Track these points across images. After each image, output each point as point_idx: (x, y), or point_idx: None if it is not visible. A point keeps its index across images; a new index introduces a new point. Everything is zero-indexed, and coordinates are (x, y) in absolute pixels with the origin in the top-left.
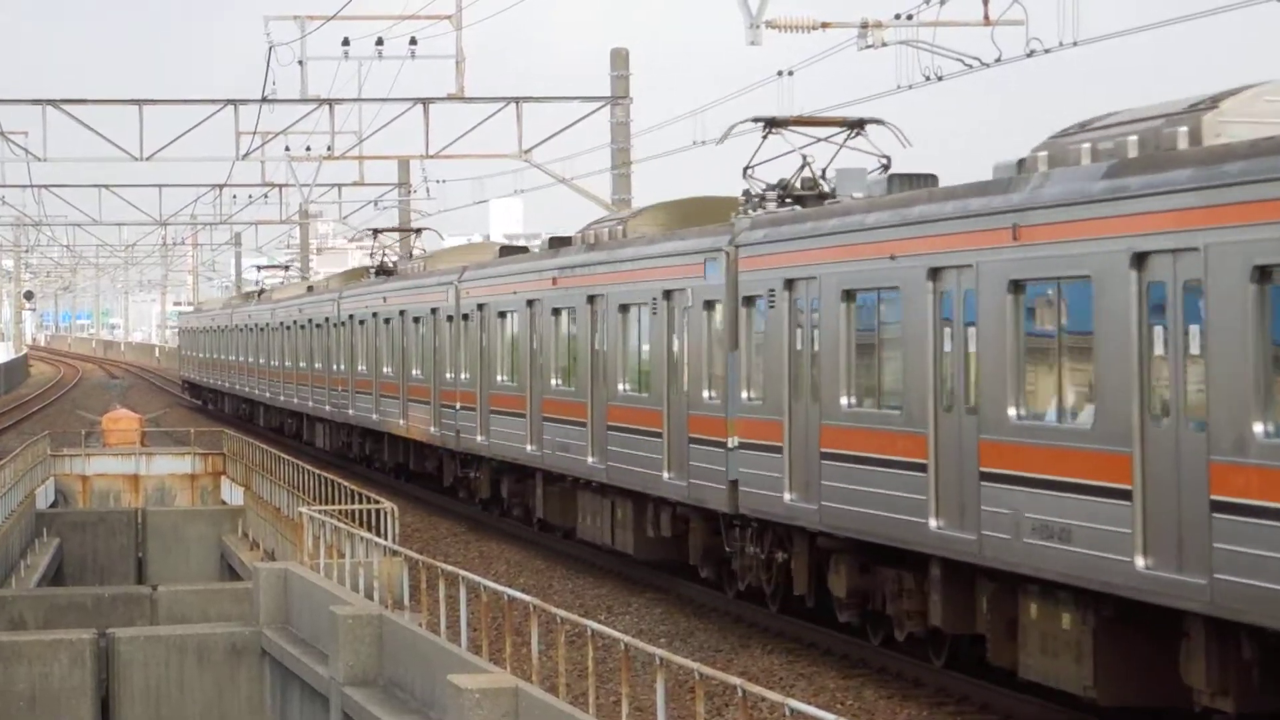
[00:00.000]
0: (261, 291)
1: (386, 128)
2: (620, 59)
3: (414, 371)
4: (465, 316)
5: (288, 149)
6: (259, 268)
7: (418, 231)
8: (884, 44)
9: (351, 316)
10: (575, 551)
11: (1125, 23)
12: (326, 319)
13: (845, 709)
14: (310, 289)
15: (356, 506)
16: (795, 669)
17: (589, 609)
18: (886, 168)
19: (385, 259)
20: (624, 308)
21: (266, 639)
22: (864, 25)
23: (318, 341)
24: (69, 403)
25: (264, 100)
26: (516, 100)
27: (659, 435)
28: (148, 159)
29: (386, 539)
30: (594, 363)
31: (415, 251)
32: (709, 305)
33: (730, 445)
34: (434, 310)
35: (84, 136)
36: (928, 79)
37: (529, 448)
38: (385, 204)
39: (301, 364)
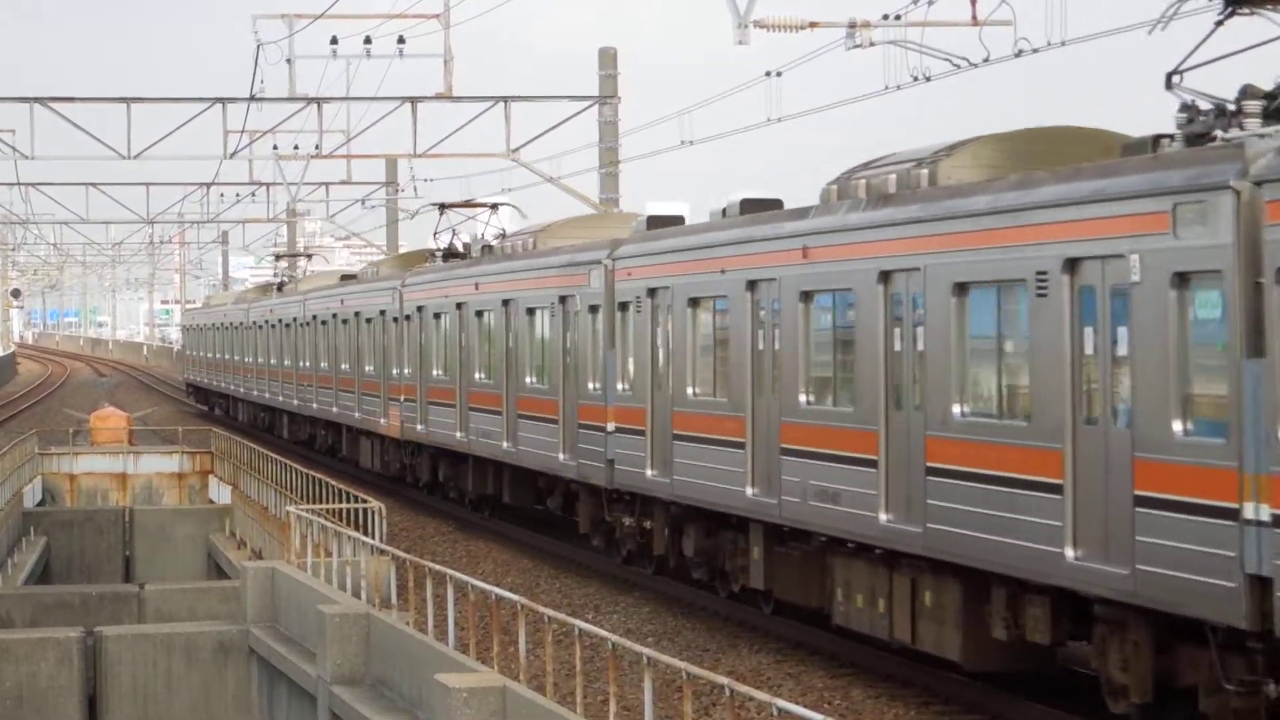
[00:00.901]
0: (283, 284)
1: (374, 126)
2: (608, 58)
3: (528, 379)
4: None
5: (275, 148)
6: (277, 256)
7: (494, 208)
8: (872, 44)
9: (421, 309)
10: (562, 551)
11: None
12: (382, 313)
13: (833, 709)
14: (349, 278)
15: (344, 505)
16: (783, 668)
17: (576, 608)
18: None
19: (456, 239)
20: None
21: (254, 638)
22: (852, 25)
23: (368, 340)
24: (56, 401)
25: (252, 99)
26: (505, 99)
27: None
28: (135, 157)
29: (374, 538)
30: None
31: (493, 231)
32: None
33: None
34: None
35: (72, 135)
36: (915, 79)
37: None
38: (373, 203)
39: (344, 366)
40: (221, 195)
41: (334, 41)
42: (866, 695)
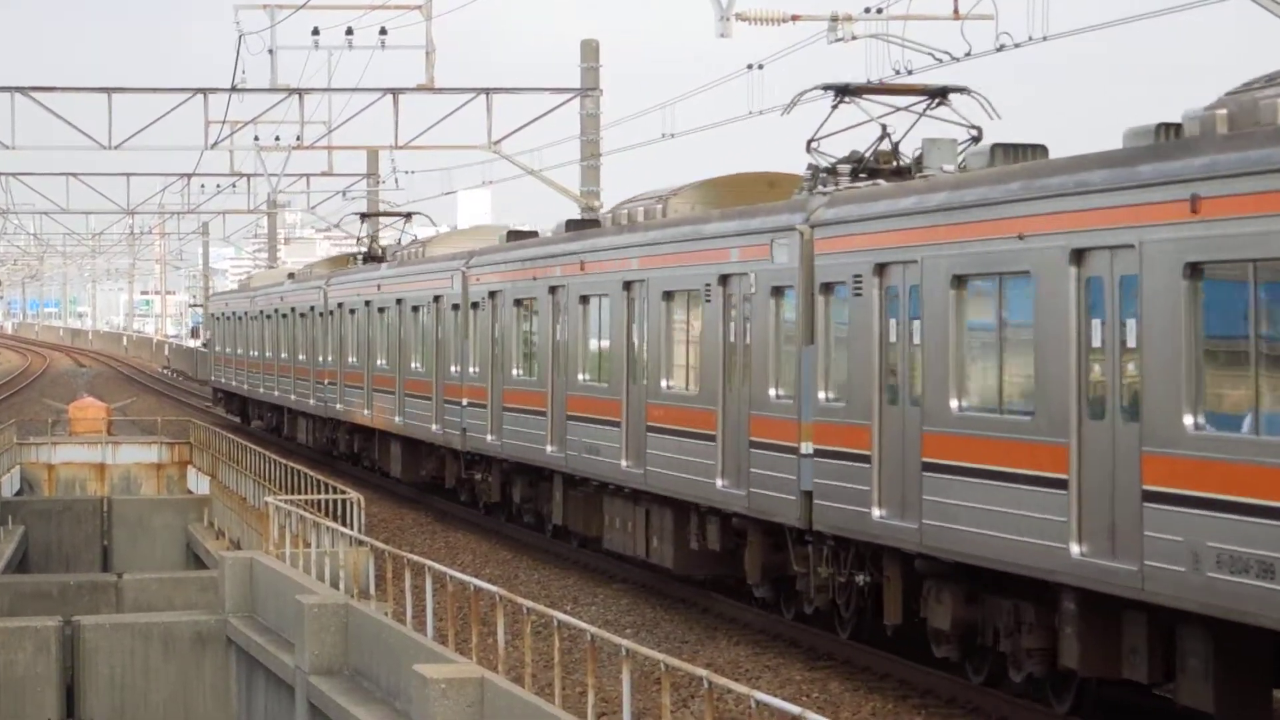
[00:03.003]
0: (370, 255)
1: (356, 118)
2: (590, 51)
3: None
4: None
5: (256, 138)
6: (363, 215)
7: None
8: (854, 37)
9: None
10: (542, 543)
11: (1093, 17)
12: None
13: (811, 701)
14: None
15: (323, 496)
16: (761, 661)
17: (555, 600)
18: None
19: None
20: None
21: (232, 628)
22: (834, 18)
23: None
24: (35, 391)
25: (233, 89)
26: (486, 91)
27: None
28: (116, 147)
29: (352, 529)
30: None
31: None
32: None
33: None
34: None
35: (52, 124)
36: (897, 72)
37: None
38: (354, 194)
39: (521, 373)
40: (202, 186)
41: (315, 32)
42: (844, 688)
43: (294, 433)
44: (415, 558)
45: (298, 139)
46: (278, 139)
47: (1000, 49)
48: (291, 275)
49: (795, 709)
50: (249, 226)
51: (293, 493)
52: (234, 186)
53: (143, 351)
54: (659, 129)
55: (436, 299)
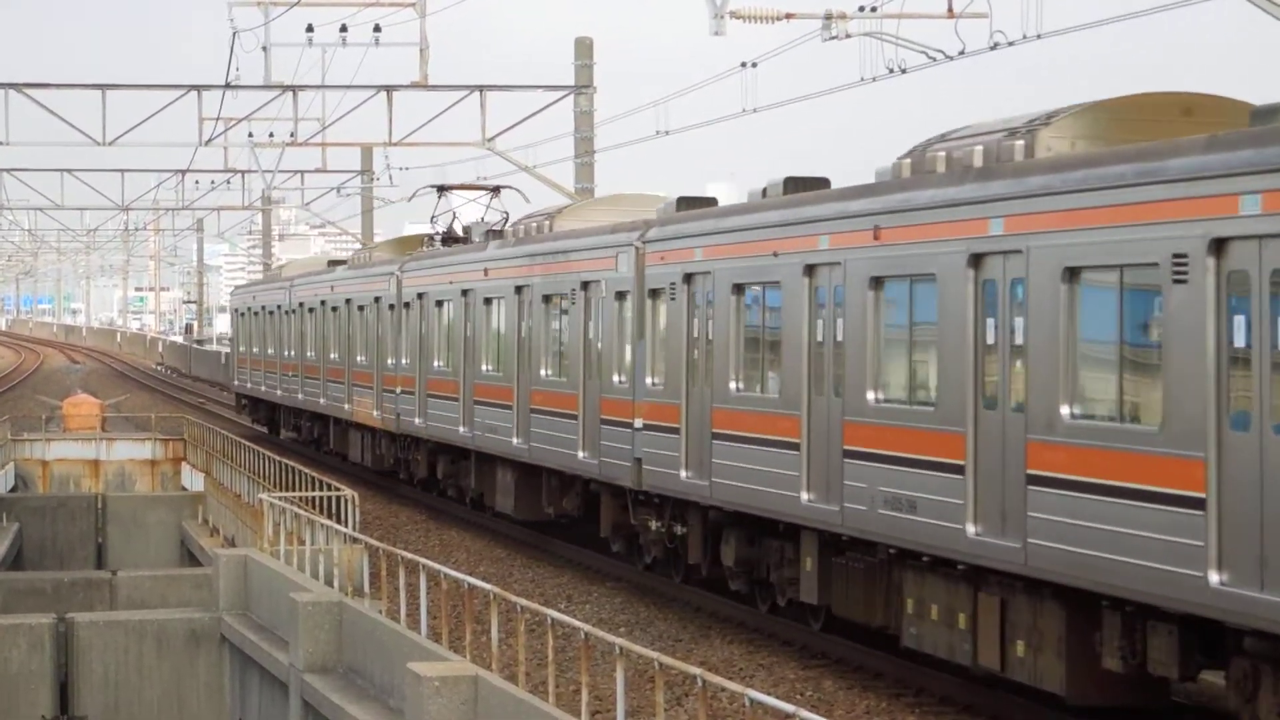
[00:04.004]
0: (450, 236)
1: (350, 115)
2: (584, 48)
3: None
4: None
5: (251, 135)
6: (440, 189)
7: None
8: (848, 36)
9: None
10: (535, 541)
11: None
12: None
13: (805, 699)
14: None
15: (317, 494)
16: (755, 659)
17: (549, 598)
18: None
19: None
20: (439, 303)
21: (226, 625)
22: (828, 17)
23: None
24: (29, 388)
25: (227, 86)
26: (480, 88)
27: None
28: (110, 144)
29: (347, 526)
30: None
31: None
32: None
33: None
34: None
35: (47, 121)
36: (891, 71)
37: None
38: (348, 191)
39: (441, 364)
40: (196, 182)
41: (310, 29)
42: (838, 686)
43: (343, 448)
44: (409, 555)
45: (292, 135)
46: (272, 135)
47: (994, 47)
48: (341, 262)
49: (789, 707)
50: (243, 223)
51: (287, 490)
52: (228, 183)
53: (136, 348)
54: (653, 126)
55: (585, 285)
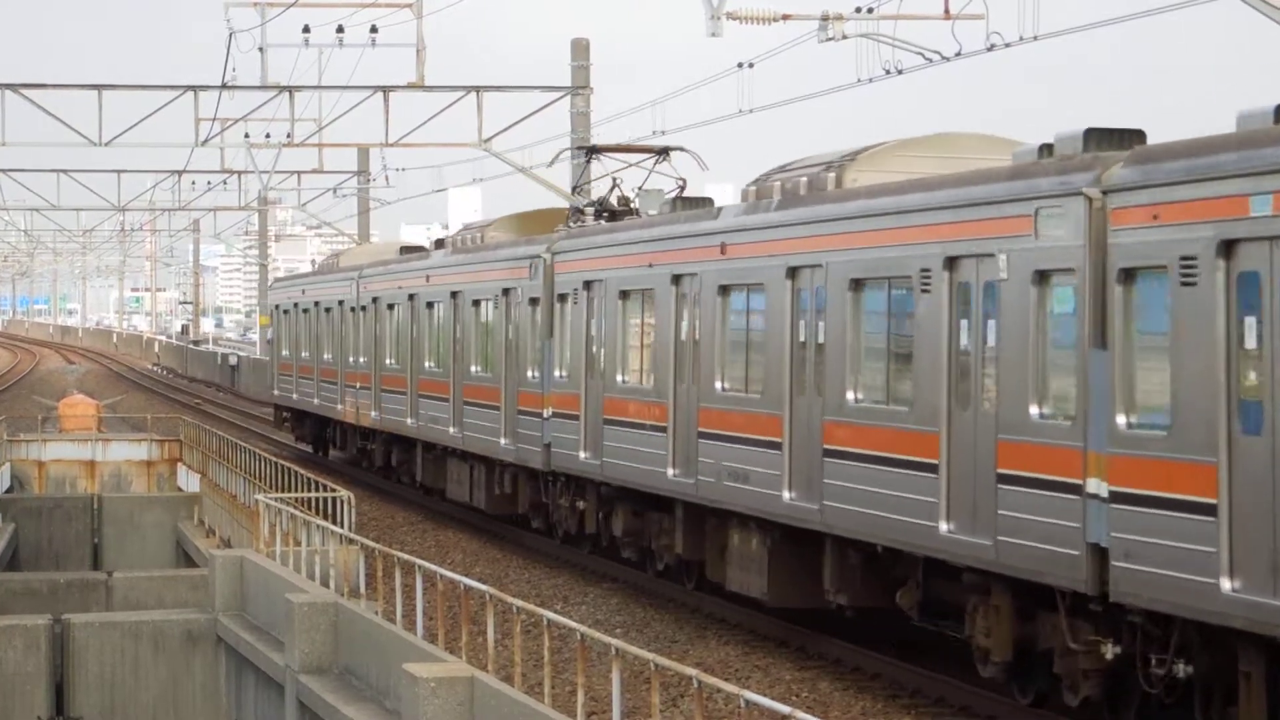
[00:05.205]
0: (604, 209)
1: (346, 115)
2: (580, 49)
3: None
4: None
5: (247, 136)
6: (590, 150)
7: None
8: (844, 37)
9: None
10: (532, 542)
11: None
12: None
13: (800, 701)
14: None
15: (313, 495)
16: (751, 660)
17: (545, 599)
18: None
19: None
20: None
21: (222, 626)
22: (825, 18)
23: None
24: (25, 389)
25: (224, 87)
26: (477, 89)
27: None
28: (107, 144)
29: (343, 527)
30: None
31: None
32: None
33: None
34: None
35: (43, 121)
36: (887, 72)
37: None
38: (345, 191)
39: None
40: (193, 183)
41: (306, 30)
42: (834, 687)
43: (438, 481)
44: (405, 556)
45: (288, 136)
46: (268, 136)
47: (991, 49)
48: (439, 243)
49: (785, 708)
50: (239, 224)
51: (283, 491)
52: (225, 183)
53: (133, 348)
54: (649, 127)
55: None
